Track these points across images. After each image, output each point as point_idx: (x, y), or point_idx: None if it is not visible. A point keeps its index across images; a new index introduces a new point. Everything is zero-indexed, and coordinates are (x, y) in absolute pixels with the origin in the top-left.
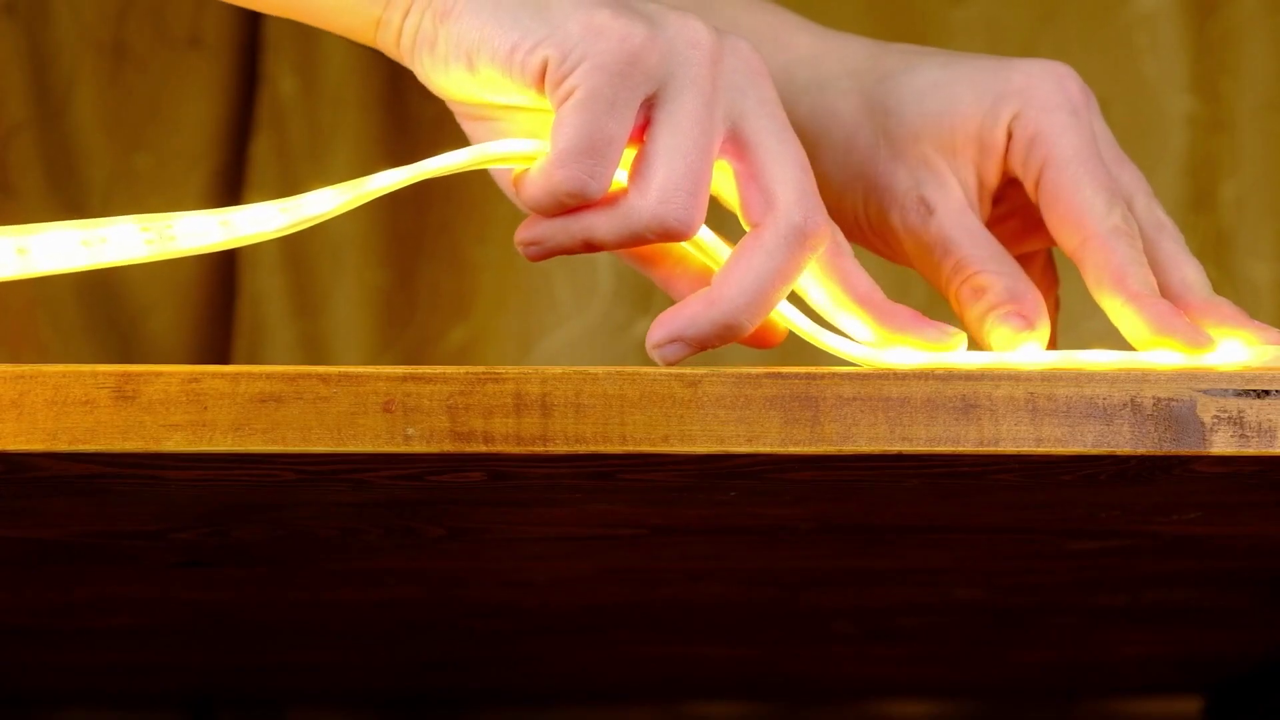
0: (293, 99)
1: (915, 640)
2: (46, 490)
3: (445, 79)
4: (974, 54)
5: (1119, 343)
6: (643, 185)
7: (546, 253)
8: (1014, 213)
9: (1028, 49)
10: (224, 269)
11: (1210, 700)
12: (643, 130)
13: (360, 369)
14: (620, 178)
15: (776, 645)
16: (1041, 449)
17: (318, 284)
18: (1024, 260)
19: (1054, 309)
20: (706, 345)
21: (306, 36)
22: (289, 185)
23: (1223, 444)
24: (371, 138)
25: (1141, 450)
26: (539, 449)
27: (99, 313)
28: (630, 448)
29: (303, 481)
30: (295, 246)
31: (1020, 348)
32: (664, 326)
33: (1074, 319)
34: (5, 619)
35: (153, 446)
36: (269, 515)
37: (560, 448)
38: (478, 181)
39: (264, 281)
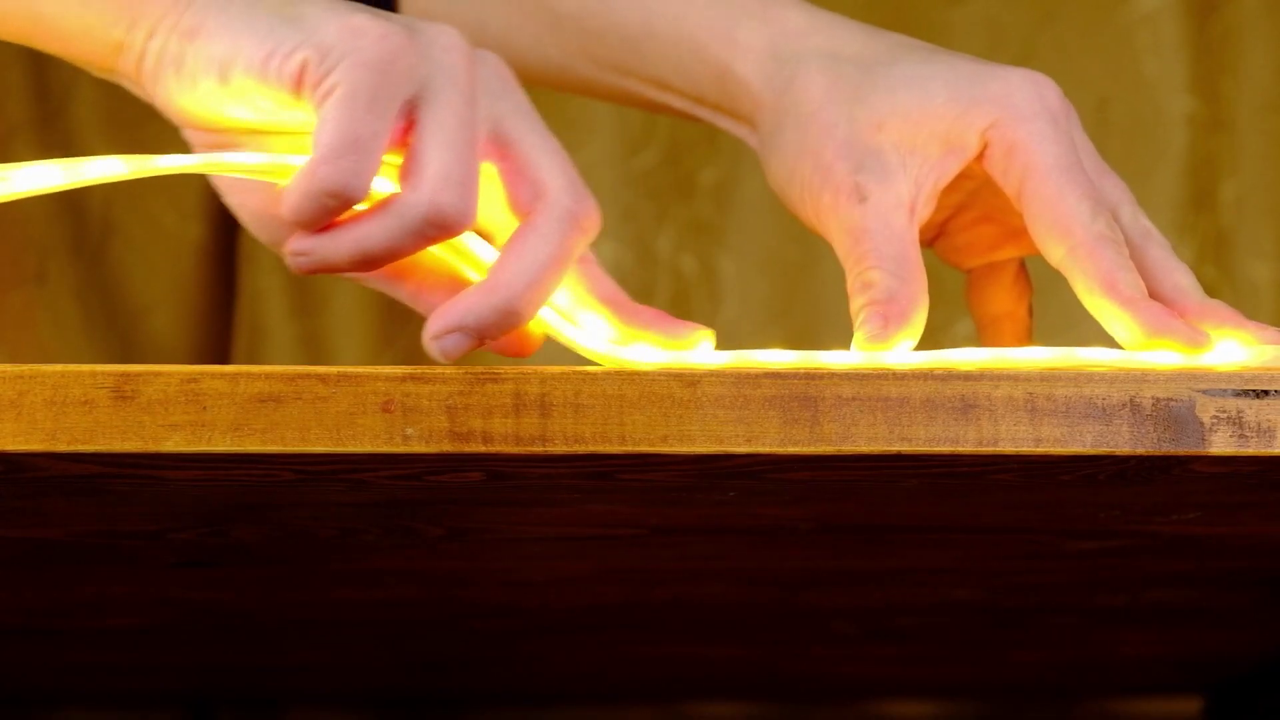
0: None
1: (915, 640)
2: (46, 490)
3: (191, 97)
4: (959, 55)
5: (1116, 345)
6: (414, 180)
7: (316, 265)
8: (988, 218)
9: (1028, 49)
10: (224, 268)
11: (1210, 700)
12: (404, 134)
13: (359, 369)
14: (382, 189)
15: (776, 645)
16: (1040, 449)
17: (318, 283)
18: (997, 269)
19: (1028, 316)
20: (486, 335)
21: None
22: None
23: (1222, 444)
24: None
25: (1141, 450)
26: (538, 449)
27: (99, 313)
28: (629, 448)
29: (302, 481)
30: None
31: (881, 349)
32: (442, 318)
33: (1072, 321)
34: (5, 619)
35: (152, 446)
36: (268, 515)
37: (559, 448)
38: None
39: (264, 280)
